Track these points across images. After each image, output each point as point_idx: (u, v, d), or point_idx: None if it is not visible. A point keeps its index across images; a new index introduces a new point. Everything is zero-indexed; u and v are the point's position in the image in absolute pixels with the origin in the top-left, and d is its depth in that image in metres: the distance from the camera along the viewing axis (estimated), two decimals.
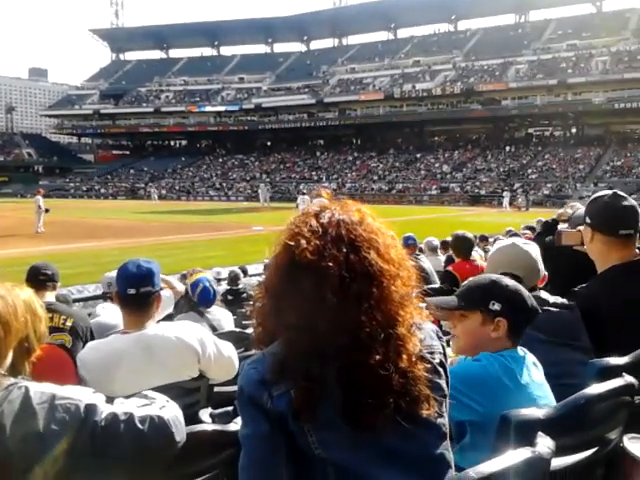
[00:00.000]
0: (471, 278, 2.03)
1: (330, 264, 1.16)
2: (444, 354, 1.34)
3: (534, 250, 2.43)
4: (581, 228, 2.70)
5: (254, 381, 1.20)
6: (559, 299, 2.27)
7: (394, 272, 1.23)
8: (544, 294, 2.33)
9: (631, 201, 2.47)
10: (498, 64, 59.58)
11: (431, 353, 1.29)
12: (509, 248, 2.44)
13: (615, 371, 1.76)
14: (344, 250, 1.19)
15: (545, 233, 3.60)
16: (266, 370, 1.19)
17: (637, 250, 2.51)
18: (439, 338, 1.36)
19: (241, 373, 1.26)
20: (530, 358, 1.88)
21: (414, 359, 1.21)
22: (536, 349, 1.95)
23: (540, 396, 1.78)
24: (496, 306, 1.86)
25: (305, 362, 1.16)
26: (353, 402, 1.16)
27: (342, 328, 1.16)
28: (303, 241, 1.19)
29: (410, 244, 7.11)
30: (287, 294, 1.20)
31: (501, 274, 2.27)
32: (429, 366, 1.25)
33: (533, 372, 1.83)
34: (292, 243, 1.20)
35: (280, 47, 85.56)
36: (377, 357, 1.16)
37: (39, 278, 3.56)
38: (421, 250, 7.64)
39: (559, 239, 2.88)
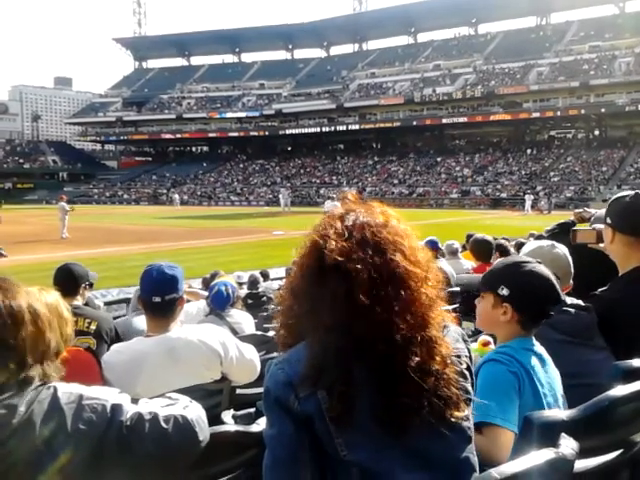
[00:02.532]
0: (501, 259, 2.06)
1: (359, 266, 1.17)
2: (469, 357, 1.35)
3: (569, 256, 2.47)
4: (597, 226, 2.70)
5: (281, 382, 1.20)
6: (575, 300, 2.26)
7: (421, 274, 1.23)
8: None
9: None
10: (519, 67, 59.14)
11: (458, 356, 1.29)
12: (550, 248, 2.46)
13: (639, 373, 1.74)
14: (370, 253, 1.19)
15: (562, 233, 3.58)
16: (296, 373, 1.19)
17: None
18: (464, 341, 1.36)
19: (267, 374, 1.25)
20: (540, 350, 1.88)
21: (447, 361, 1.22)
22: (555, 349, 1.94)
23: (548, 390, 1.79)
24: (504, 291, 1.87)
25: (341, 364, 1.16)
26: (389, 404, 1.16)
27: (377, 330, 1.16)
28: (330, 243, 1.19)
29: (431, 248, 7.07)
30: (319, 296, 1.20)
31: None
32: (458, 369, 1.26)
33: (543, 365, 1.84)
34: (318, 244, 1.21)
35: (300, 53, 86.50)
36: (416, 359, 1.17)
37: (65, 281, 3.60)
38: (443, 255, 7.59)
39: (574, 237, 2.90)
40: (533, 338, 1.90)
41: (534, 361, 1.82)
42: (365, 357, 1.17)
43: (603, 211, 2.79)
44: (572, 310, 2.22)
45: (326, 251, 1.19)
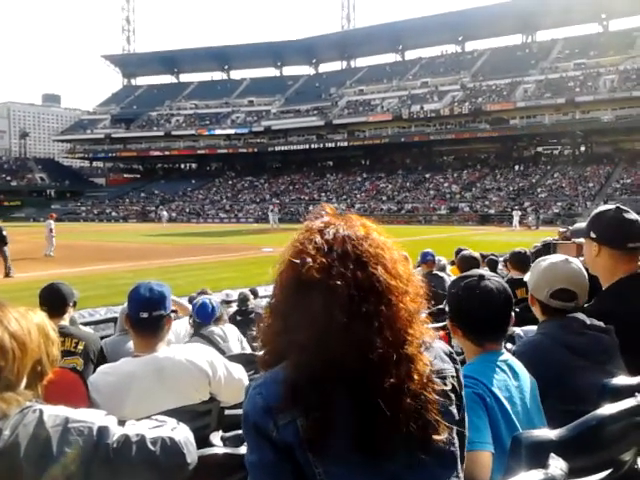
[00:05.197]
0: None
1: (338, 282, 1.13)
2: (457, 377, 1.30)
3: (584, 270, 2.36)
4: (577, 240, 2.71)
5: (259, 408, 1.16)
6: (595, 322, 2.19)
7: (402, 288, 1.19)
8: (581, 316, 2.23)
9: (634, 214, 2.50)
10: (506, 84, 59.84)
11: (443, 377, 1.24)
12: (565, 264, 2.31)
13: (627, 391, 1.74)
14: (351, 267, 1.15)
15: (540, 254, 3.61)
16: (273, 397, 1.16)
17: None
18: (453, 360, 1.31)
19: (246, 397, 1.22)
20: (512, 361, 1.86)
21: (425, 380, 1.17)
22: (573, 374, 1.92)
23: (520, 407, 1.77)
24: (447, 307, 1.88)
25: (317, 387, 1.12)
26: (365, 427, 1.12)
27: (354, 349, 1.12)
28: (309, 259, 1.16)
29: (428, 260, 7.06)
30: (295, 313, 1.16)
31: (557, 290, 2.23)
32: (439, 389, 1.20)
33: (515, 378, 1.82)
34: (297, 261, 1.17)
35: (289, 70, 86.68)
36: (391, 380, 1.13)
37: (52, 301, 3.57)
38: (442, 268, 7.55)
39: (555, 251, 2.92)
40: (502, 350, 1.89)
41: (501, 377, 1.80)
42: (340, 377, 1.13)
43: (581, 225, 2.81)
44: (591, 332, 2.16)
45: (305, 267, 1.15)
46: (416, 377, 1.16)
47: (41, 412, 1.30)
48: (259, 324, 1.29)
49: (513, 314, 1.93)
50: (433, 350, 1.26)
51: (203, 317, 3.93)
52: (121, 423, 1.43)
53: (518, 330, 2.84)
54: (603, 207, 2.60)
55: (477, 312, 1.83)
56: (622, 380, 1.84)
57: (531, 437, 1.41)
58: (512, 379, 1.83)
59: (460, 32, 72.45)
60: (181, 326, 4.13)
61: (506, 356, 1.88)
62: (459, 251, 7.44)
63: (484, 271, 2.00)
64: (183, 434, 1.48)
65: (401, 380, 1.14)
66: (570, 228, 4.22)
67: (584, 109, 52.88)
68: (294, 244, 1.22)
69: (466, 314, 1.84)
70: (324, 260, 1.15)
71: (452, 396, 1.26)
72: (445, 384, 1.24)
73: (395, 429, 1.13)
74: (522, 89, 58.20)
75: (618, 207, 2.50)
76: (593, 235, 2.53)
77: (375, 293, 1.16)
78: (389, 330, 1.15)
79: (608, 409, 1.59)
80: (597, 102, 51.86)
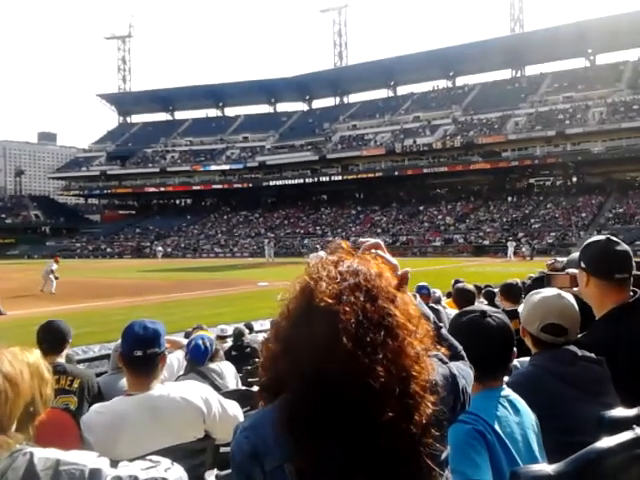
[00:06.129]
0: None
1: (347, 308, 1.13)
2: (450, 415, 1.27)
3: (576, 305, 2.35)
4: (571, 271, 2.72)
5: (246, 453, 1.15)
6: (586, 353, 2.19)
7: (411, 327, 1.19)
8: (573, 347, 2.23)
9: (624, 246, 2.51)
10: (497, 117, 60.67)
11: (440, 424, 1.20)
12: (557, 299, 2.31)
13: (625, 423, 1.72)
14: (361, 298, 1.15)
15: (535, 286, 3.60)
16: (261, 441, 1.14)
17: (631, 293, 2.51)
18: (455, 386, 1.31)
19: (233, 437, 1.20)
20: (513, 396, 1.84)
21: (424, 421, 1.13)
22: (565, 404, 1.90)
23: (522, 444, 1.75)
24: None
25: (314, 421, 1.09)
26: (356, 465, 1.09)
27: (355, 377, 1.09)
28: (321, 285, 1.16)
29: (424, 293, 7.04)
30: (300, 339, 1.14)
31: (547, 325, 2.23)
32: (437, 434, 1.17)
33: (516, 414, 1.81)
34: (309, 286, 1.17)
35: (283, 106, 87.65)
36: (390, 414, 1.09)
37: (52, 339, 3.56)
38: (437, 300, 7.53)
39: (549, 282, 2.92)
40: (503, 386, 1.87)
41: (502, 413, 1.79)
42: (339, 408, 1.09)
43: (576, 254, 2.82)
44: (582, 363, 2.15)
45: (316, 292, 1.15)
46: (417, 418, 1.12)
47: (31, 455, 1.29)
48: (262, 353, 1.27)
49: (515, 349, 1.92)
50: (440, 392, 1.23)
51: (195, 358, 3.91)
52: (114, 464, 1.41)
53: (515, 362, 2.82)
54: (594, 237, 2.62)
55: (479, 350, 1.80)
56: (619, 412, 1.82)
57: (529, 472, 1.39)
58: (513, 415, 1.81)
59: (451, 67, 73.77)
60: (174, 359, 4.10)
61: (507, 392, 1.87)
62: (457, 282, 7.46)
63: (486, 307, 1.99)
64: (177, 474, 1.46)
65: (401, 416, 1.10)
66: (558, 259, 4.24)
67: (574, 141, 53.61)
68: (308, 271, 1.23)
69: (468, 352, 1.84)
70: (336, 287, 1.16)
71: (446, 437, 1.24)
72: (442, 429, 1.21)
73: (387, 472, 1.10)
74: (513, 122, 59.01)
75: (608, 238, 2.51)
76: (583, 265, 2.55)
77: (383, 326, 1.15)
78: (393, 364, 1.13)
79: (606, 442, 1.56)
80: (587, 134, 52.62)
